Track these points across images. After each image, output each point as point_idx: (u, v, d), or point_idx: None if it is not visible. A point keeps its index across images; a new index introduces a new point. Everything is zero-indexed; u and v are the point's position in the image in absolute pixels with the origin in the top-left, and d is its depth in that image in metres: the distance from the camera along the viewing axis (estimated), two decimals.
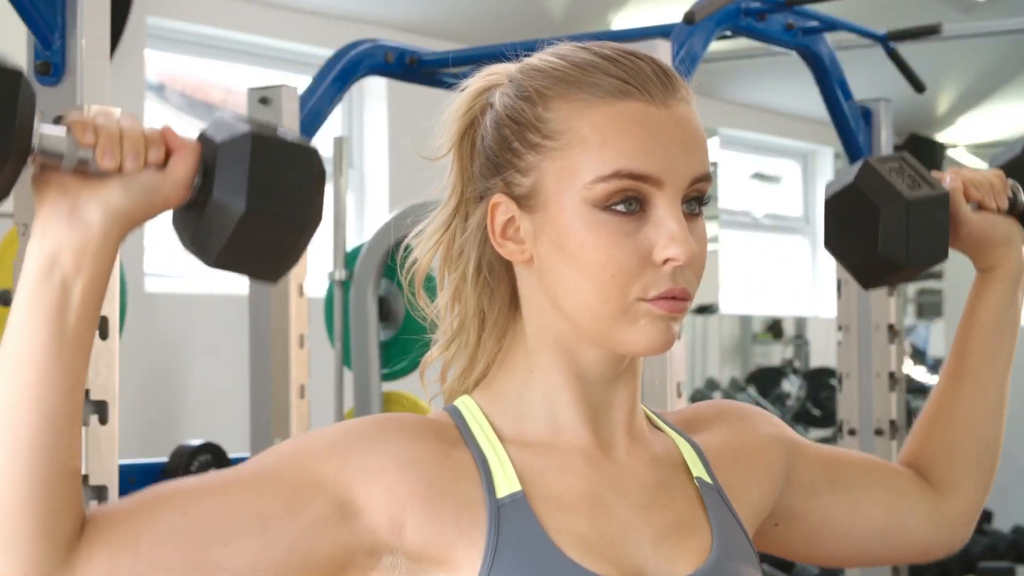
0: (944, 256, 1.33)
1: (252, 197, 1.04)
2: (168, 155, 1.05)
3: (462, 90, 1.19)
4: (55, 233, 1.02)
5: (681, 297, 1.10)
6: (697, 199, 1.12)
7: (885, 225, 1.28)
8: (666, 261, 1.08)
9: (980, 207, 1.36)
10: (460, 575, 1.07)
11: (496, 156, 1.14)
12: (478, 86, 1.18)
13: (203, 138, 1.07)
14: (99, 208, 1.02)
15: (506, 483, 1.10)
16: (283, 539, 1.05)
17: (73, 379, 1.02)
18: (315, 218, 1.09)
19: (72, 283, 1.02)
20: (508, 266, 1.17)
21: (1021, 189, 1.38)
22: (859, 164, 1.32)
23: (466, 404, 1.16)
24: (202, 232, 1.07)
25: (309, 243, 1.10)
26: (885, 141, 3.24)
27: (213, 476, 1.07)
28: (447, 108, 1.19)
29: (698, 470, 1.19)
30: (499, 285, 1.18)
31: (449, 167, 1.19)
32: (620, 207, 1.09)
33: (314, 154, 1.09)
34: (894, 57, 3.19)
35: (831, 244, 1.35)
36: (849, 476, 1.31)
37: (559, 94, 1.11)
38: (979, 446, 1.36)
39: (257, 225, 1.05)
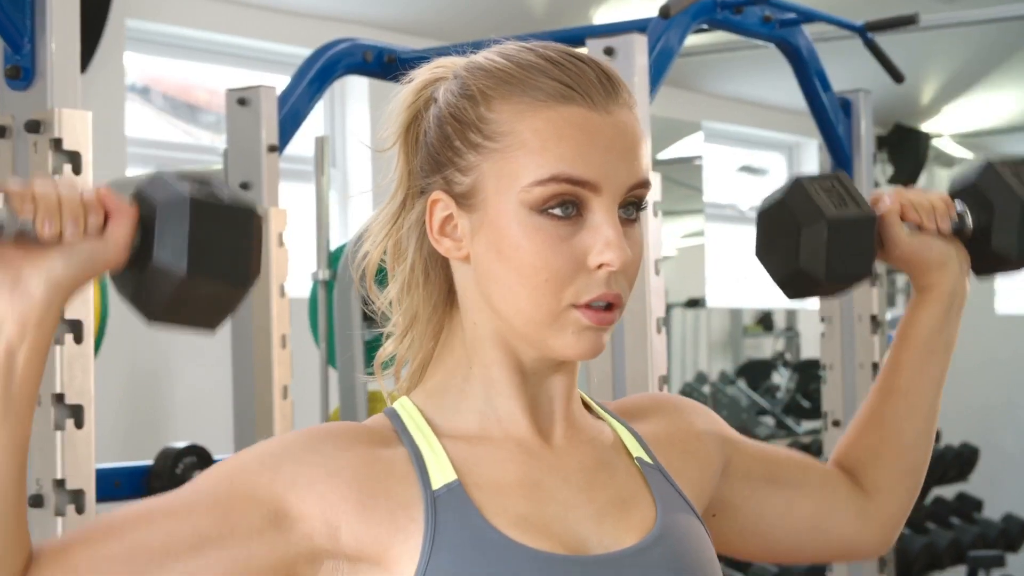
0: (866, 274, 1.35)
1: (192, 260, 1.06)
2: (106, 219, 1.06)
3: (408, 81, 1.19)
4: None
5: (613, 303, 1.12)
6: (635, 204, 1.14)
7: (806, 242, 1.32)
8: (600, 266, 1.10)
9: (919, 228, 1.36)
10: (397, 569, 1.09)
11: (437, 153, 1.15)
12: (424, 78, 1.19)
13: (140, 197, 1.08)
14: (41, 279, 1.04)
15: (441, 475, 1.12)
16: (221, 556, 1.07)
17: (17, 439, 1.04)
18: (254, 274, 1.11)
19: (16, 351, 1.04)
20: (445, 262, 1.19)
21: (969, 213, 1.38)
22: (790, 181, 1.35)
23: (403, 405, 1.18)
24: (143, 291, 1.09)
25: (247, 296, 1.12)
26: (865, 132, 3.24)
27: (152, 501, 1.10)
28: (393, 99, 1.19)
29: (638, 451, 1.21)
30: (436, 281, 1.19)
31: (395, 160, 1.19)
32: (557, 211, 1.10)
33: (252, 213, 1.10)
34: (872, 48, 3.19)
35: (760, 254, 1.38)
36: (783, 471, 1.32)
37: (502, 95, 1.12)
38: (905, 459, 1.37)
39: (197, 286, 1.07)
